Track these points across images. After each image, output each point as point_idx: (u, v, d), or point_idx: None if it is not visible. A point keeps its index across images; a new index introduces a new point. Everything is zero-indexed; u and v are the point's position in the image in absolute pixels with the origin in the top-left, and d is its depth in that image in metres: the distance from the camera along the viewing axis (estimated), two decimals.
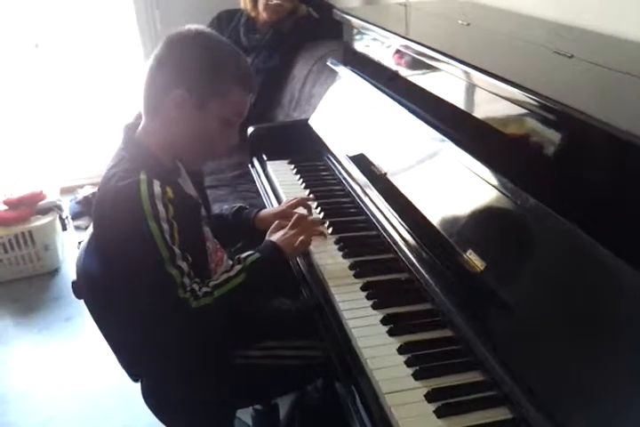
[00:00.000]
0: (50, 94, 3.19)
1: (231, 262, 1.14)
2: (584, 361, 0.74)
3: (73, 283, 1.12)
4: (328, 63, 1.62)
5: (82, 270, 1.11)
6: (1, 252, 2.48)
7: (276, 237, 1.15)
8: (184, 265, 0.99)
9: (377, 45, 1.46)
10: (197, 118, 1.05)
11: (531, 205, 0.84)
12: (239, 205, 1.36)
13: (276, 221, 1.22)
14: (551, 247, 0.83)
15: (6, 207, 2.51)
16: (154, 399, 1.19)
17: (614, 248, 0.73)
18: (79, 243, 1.19)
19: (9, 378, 2.05)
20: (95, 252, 1.11)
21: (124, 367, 1.17)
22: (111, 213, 1.02)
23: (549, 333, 0.80)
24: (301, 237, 1.14)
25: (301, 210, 1.31)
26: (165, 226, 0.97)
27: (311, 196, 1.42)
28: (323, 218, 1.32)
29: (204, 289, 1.00)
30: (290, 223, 1.18)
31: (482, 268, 0.90)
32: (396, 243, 1.14)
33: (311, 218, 1.25)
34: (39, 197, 2.53)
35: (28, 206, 2.48)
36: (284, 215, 1.30)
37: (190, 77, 1.03)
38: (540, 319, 0.82)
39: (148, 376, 1.19)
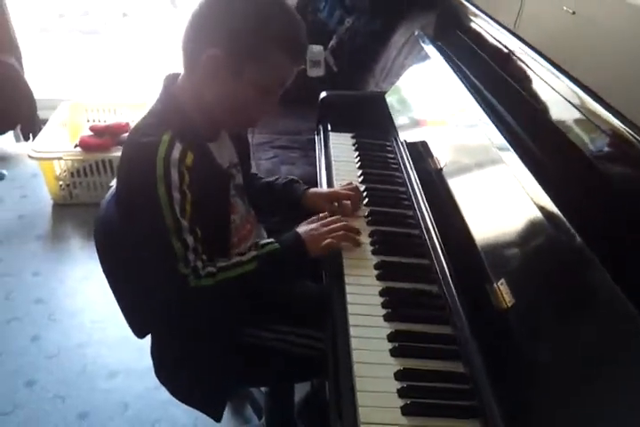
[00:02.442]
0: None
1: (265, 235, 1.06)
2: None
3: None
4: (416, 36, 1.45)
5: (102, 218, 1.08)
6: (81, 175, 2.58)
7: (304, 229, 1.04)
8: (190, 240, 0.92)
9: (470, 25, 1.29)
10: (231, 83, 0.95)
11: (579, 250, 0.69)
12: (292, 177, 1.27)
13: (314, 218, 1.10)
14: (590, 306, 0.68)
15: (92, 133, 2.57)
16: (155, 358, 1.17)
17: None
18: (110, 186, 1.16)
19: (62, 298, 2.15)
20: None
21: (127, 322, 1.15)
22: (126, 171, 0.97)
23: (570, 400, 0.67)
24: (330, 240, 1.01)
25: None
26: (176, 195, 0.90)
27: (362, 177, 1.30)
28: (365, 205, 1.20)
29: (208, 269, 0.93)
30: (326, 220, 1.05)
31: (509, 304, 0.76)
32: (434, 248, 1.02)
33: (350, 223, 1.09)
34: (124, 128, 2.56)
35: (112, 136, 2.54)
36: (333, 198, 1.19)
37: (229, 37, 0.92)
38: (561, 383, 0.68)
39: (152, 335, 1.17)
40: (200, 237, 0.93)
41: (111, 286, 1.10)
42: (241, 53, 0.92)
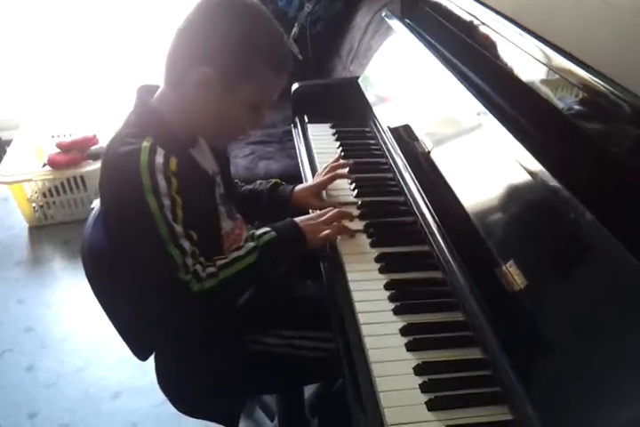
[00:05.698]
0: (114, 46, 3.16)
1: None
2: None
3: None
4: (382, 14, 1.40)
5: (88, 241, 1.03)
6: (53, 194, 2.50)
7: (300, 219, 1.02)
8: (187, 245, 0.89)
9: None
10: (222, 100, 0.93)
11: (587, 223, 0.66)
12: (274, 180, 1.24)
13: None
14: (607, 282, 0.65)
15: (59, 150, 2.49)
16: (160, 375, 1.13)
17: None
18: (92, 208, 1.11)
19: (50, 323, 2.08)
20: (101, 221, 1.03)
21: (127, 344, 1.10)
22: (110, 184, 0.93)
23: (596, 374, 0.64)
24: (328, 231, 1.00)
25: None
26: (166, 201, 0.87)
27: (346, 169, 1.25)
28: (356, 196, 1.17)
29: (209, 270, 0.90)
30: (321, 211, 1.05)
31: (522, 286, 0.73)
32: (432, 233, 0.98)
33: (348, 212, 1.09)
34: (91, 141, 2.49)
35: (80, 151, 2.46)
36: (321, 188, 1.19)
37: (218, 55, 0.90)
38: (585, 357, 0.66)
39: (156, 352, 1.13)
40: (195, 240, 0.90)
41: (105, 310, 1.05)
42: (231, 72, 0.91)
